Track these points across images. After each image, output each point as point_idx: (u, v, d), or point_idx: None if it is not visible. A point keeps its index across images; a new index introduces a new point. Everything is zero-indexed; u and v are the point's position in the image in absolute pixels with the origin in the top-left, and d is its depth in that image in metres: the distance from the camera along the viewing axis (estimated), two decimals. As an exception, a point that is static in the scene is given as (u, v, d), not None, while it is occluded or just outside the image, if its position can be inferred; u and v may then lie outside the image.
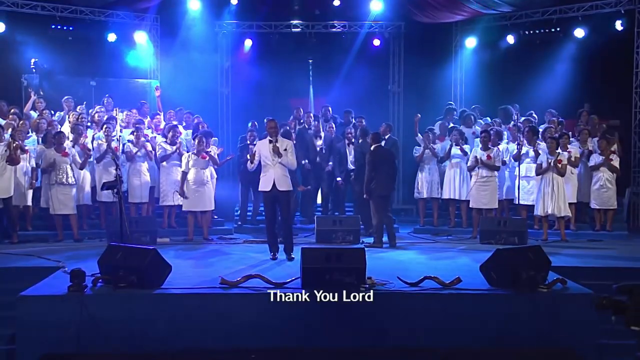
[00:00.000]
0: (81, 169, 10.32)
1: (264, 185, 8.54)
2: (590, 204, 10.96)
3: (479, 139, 11.15)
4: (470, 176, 10.82)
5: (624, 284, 3.97)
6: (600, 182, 10.76)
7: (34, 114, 11.55)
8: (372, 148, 9.86)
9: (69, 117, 11.46)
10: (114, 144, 10.51)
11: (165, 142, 10.84)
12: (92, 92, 12.67)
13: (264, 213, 11.75)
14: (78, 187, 10.35)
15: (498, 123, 11.97)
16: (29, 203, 10.28)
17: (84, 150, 10.35)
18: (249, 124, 12.02)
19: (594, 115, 11.90)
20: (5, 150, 9.65)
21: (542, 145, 10.64)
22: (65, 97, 11.90)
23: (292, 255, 8.50)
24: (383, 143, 10.59)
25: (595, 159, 10.83)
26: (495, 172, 10.59)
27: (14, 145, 9.62)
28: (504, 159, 10.94)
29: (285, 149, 8.50)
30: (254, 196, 11.53)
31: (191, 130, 11.62)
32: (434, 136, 11.63)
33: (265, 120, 9.64)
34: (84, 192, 10.53)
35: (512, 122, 11.77)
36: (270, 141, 8.48)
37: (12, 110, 11.02)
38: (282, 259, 8.55)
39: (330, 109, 12.54)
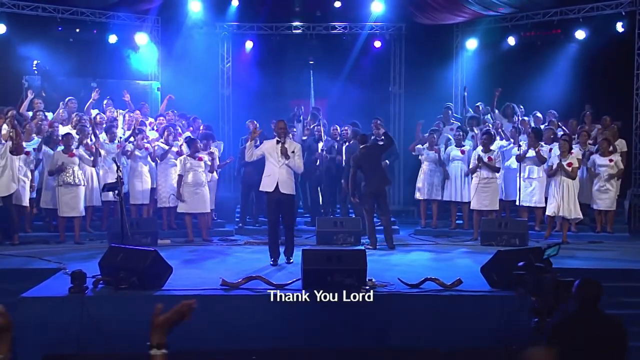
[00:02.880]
0: (94, 166, 10.35)
1: (267, 185, 8.38)
2: (592, 204, 10.96)
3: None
4: (471, 178, 10.81)
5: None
6: (600, 182, 10.76)
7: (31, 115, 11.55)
8: (360, 148, 9.98)
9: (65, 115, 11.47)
10: (114, 146, 10.55)
11: (163, 142, 10.85)
12: (92, 93, 12.65)
13: (265, 215, 11.94)
14: (86, 188, 10.33)
15: (499, 124, 11.94)
16: (26, 204, 10.23)
17: (90, 151, 10.35)
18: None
19: (605, 117, 11.85)
20: (6, 141, 9.64)
21: (545, 148, 10.66)
22: (68, 98, 11.90)
23: (292, 260, 8.43)
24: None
25: (597, 159, 10.83)
26: (497, 174, 10.59)
27: (18, 132, 9.61)
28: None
29: (293, 152, 8.33)
30: (256, 198, 11.54)
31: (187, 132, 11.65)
32: (437, 137, 11.63)
33: (263, 121, 9.63)
34: (92, 193, 10.50)
35: (514, 123, 11.80)
36: (279, 142, 8.32)
37: (10, 113, 10.98)
38: (282, 262, 8.50)
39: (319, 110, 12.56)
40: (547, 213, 10.36)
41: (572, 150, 10.62)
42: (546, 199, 10.54)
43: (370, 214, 9.90)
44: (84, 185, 10.14)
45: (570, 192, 10.11)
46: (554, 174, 10.18)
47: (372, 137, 10.96)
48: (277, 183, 8.26)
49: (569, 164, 10.07)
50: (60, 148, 10.07)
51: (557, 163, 10.14)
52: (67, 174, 9.90)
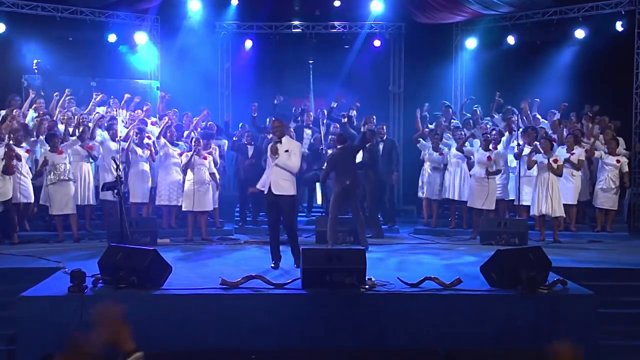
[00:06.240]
0: (95, 159, 10.48)
1: (263, 186, 8.21)
2: (594, 203, 10.96)
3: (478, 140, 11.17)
4: (470, 177, 10.81)
5: None
6: (605, 182, 10.77)
7: (34, 114, 11.52)
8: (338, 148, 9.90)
9: (61, 117, 11.48)
10: (115, 145, 10.54)
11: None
12: (92, 92, 12.65)
13: (263, 214, 11.95)
14: (81, 186, 10.32)
15: (495, 130, 11.90)
16: (31, 200, 10.22)
17: (88, 150, 10.37)
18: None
19: (604, 117, 11.84)
20: (2, 159, 9.63)
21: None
22: (69, 97, 11.89)
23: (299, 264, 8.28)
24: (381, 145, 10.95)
25: (605, 157, 10.85)
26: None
27: (12, 154, 9.61)
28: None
29: (287, 150, 8.05)
30: (252, 196, 11.54)
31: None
32: (440, 136, 11.63)
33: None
34: (88, 192, 10.49)
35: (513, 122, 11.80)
36: (276, 141, 8.18)
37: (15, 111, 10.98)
38: (287, 264, 8.27)
39: (325, 111, 12.54)
40: (533, 213, 10.28)
41: (574, 151, 10.64)
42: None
43: (334, 211, 9.71)
44: (74, 181, 10.09)
45: (555, 190, 10.05)
46: (532, 166, 10.14)
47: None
48: (270, 183, 8.03)
49: (555, 160, 10.06)
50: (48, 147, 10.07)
51: (541, 161, 10.10)
52: (57, 171, 9.88)
